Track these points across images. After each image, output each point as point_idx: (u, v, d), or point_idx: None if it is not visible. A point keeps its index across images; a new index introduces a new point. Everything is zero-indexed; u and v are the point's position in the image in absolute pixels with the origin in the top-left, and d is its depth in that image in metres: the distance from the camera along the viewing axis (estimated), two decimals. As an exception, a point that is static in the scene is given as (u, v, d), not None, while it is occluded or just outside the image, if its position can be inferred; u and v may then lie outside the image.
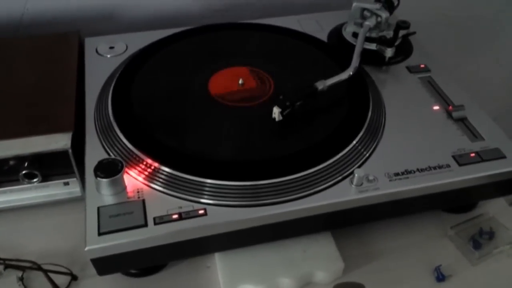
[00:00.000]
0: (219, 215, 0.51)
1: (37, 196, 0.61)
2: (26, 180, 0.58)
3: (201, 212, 0.51)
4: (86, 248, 0.48)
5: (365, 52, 0.70)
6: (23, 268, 0.56)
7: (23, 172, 0.57)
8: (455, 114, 0.62)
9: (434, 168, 0.56)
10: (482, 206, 0.64)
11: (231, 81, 0.65)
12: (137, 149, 0.56)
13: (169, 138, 0.57)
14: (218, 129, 0.60)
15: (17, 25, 0.78)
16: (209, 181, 0.52)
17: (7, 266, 0.56)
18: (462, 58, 0.93)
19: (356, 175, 0.53)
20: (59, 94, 0.63)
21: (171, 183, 0.53)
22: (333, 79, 0.61)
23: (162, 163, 0.54)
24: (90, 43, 0.74)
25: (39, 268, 0.55)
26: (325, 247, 0.57)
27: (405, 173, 0.55)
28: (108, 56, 0.71)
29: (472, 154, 0.57)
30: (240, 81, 0.64)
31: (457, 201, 0.60)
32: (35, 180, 0.59)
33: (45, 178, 0.60)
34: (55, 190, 0.61)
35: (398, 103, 0.65)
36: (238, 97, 0.62)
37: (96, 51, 0.72)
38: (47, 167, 0.59)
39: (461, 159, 0.57)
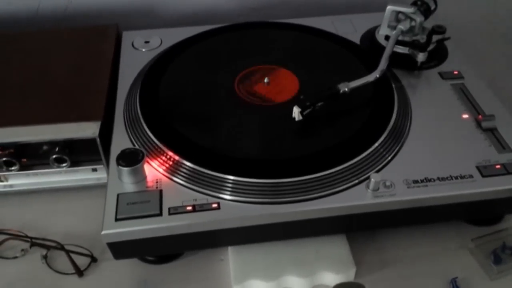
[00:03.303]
0: (232, 210, 0.52)
1: (67, 180, 0.64)
2: (56, 164, 0.61)
3: (214, 206, 0.52)
4: (102, 232, 0.50)
5: (397, 56, 0.69)
6: (47, 247, 0.59)
7: (53, 156, 0.60)
8: (484, 124, 0.60)
9: (456, 177, 0.55)
10: (508, 220, 0.62)
11: (257, 79, 0.65)
12: (160, 141, 0.57)
13: (192, 133, 0.59)
14: (239, 126, 0.60)
15: (61, 17, 0.82)
16: (221, 175, 0.53)
17: (33, 244, 0.59)
18: (502, 69, 0.89)
19: (372, 179, 0.53)
20: (93, 85, 0.66)
21: (190, 176, 0.54)
22: (357, 81, 0.61)
23: (183, 157, 0.55)
24: (127, 37, 0.76)
25: (62, 248, 0.58)
26: (338, 249, 0.57)
27: (425, 181, 0.54)
28: (143, 50, 0.74)
29: (498, 166, 0.56)
30: (266, 80, 0.65)
31: (479, 213, 0.59)
32: (64, 164, 0.62)
33: (75, 164, 0.63)
34: (84, 175, 0.65)
35: (426, 109, 0.63)
36: (262, 96, 0.63)
37: (132, 45, 0.75)
38: (76, 153, 0.62)
39: (485, 170, 0.55)
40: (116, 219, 0.51)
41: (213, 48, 0.72)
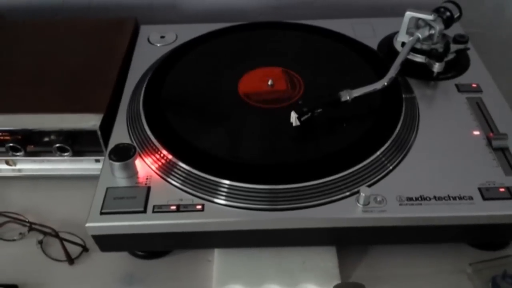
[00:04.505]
0: (215, 212, 0.51)
1: (71, 169, 0.66)
2: (59, 152, 0.63)
3: (198, 207, 0.52)
4: (86, 225, 0.51)
5: (414, 65, 0.66)
6: (44, 233, 0.61)
7: (56, 145, 0.62)
8: (495, 143, 0.56)
9: (454, 198, 0.52)
10: (513, 247, 0.58)
11: (261, 81, 0.64)
12: (156, 138, 0.58)
13: (189, 133, 0.58)
14: (238, 129, 0.60)
15: (86, 10, 0.84)
16: (211, 177, 0.53)
17: (31, 229, 0.61)
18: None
19: (362, 194, 0.51)
20: (101, 77, 0.67)
21: (181, 177, 0.54)
22: (362, 89, 0.59)
23: (176, 156, 0.55)
24: (145, 31, 0.77)
25: (56, 235, 0.60)
26: (325, 262, 0.55)
27: (420, 199, 0.52)
28: (158, 45, 0.74)
29: (502, 189, 0.52)
30: (270, 82, 0.64)
31: (478, 238, 0.55)
32: (66, 154, 0.63)
33: (79, 153, 0.64)
34: (88, 165, 0.66)
35: (436, 122, 0.60)
36: (264, 98, 0.62)
37: (148, 39, 0.75)
38: (79, 143, 0.63)
39: (487, 193, 0.52)
40: (101, 213, 0.52)
41: (222, 48, 0.72)
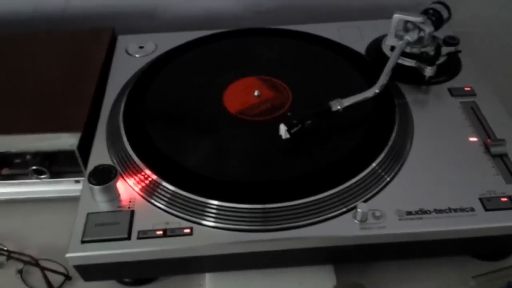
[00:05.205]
0: (204, 236, 0.48)
1: (49, 191, 0.62)
2: (35, 175, 0.59)
3: (186, 231, 0.49)
4: (67, 255, 0.48)
5: (404, 69, 0.64)
6: (23, 262, 0.57)
7: (32, 167, 0.58)
8: (493, 149, 0.54)
9: (455, 210, 0.49)
10: (517, 256, 0.56)
11: (247, 92, 0.61)
12: (139, 157, 0.54)
13: (174, 151, 0.55)
14: (224, 144, 0.57)
15: (59, 19, 0.80)
16: (198, 198, 0.50)
17: (9, 258, 0.57)
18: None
19: (359, 210, 0.48)
20: (77, 93, 0.63)
21: (166, 198, 0.51)
22: (352, 98, 0.56)
23: (161, 176, 0.52)
24: (123, 41, 0.74)
25: (36, 264, 0.56)
26: (323, 283, 0.52)
27: (420, 212, 0.49)
28: (137, 56, 0.71)
29: (504, 199, 0.50)
30: (256, 93, 0.61)
31: (479, 250, 0.53)
32: (43, 176, 0.60)
33: (56, 175, 0.61)
34: (67, 186, 0.62)
35: (430, 129, 0.58)
36: (250, 110, 0.59)
37: (126, 50, 0.72)
38: (57, 164, 0.60)
39: (489, 204, 0.50)
40: (82, 241, 0.48)
41: (204, 57, 0.69)
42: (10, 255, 0.57)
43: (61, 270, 0.56)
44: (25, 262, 0.57)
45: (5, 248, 0.58)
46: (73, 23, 0.80)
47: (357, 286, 0.50)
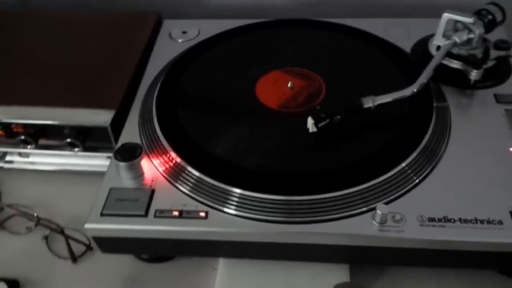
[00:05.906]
0: (221, 221, 0.48)
1: (83, 164, 0.65)
2: (69, 147, 0.62)
3: (202, 214, 0.49)
4: (85, 226, 0.49)
5: (450, 71, 0.61)
6: (50, 229, 0.59)
7: (67, 140, 0.61)
8: (534, 163, 0.51)
9: (481, 222, 0.46)
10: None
11: (280, 83, 0.60)
12: (166, 140, 0.55)
13: (202, 137, 0.55)
14: (252, 134, 0.56)
15: (112, 2, 0.82)
16: (220, 185, 0.50)
17: (37, 224, 0.60)
18: None
19: (378, 211, 0.46)
20: (117, 72, 0.65)
21: (186, 180, 0.51)
22: (387, 96, 0.54)
23: (185, 160, 0.53)
24: (167, 26, 0.75)
25: (62, 232, 0.59)
26: (336, 280, 0.51)
27: (443, 220, 0.47)
28: (179, 40, 0.72)
29: (536, 214, 0.47)
30: (290, 84, 0.60)
31: (504, 265, 0.50)
32: (77, 149, 0.62)
33: (91, 149, 0.63)
34: (99, 161, 0.65)
35: (469, 135, 0.55)
36: (282, 101, 0.58)
37: (169, 34, 0.73)
38: (91, 139, 0.61)
39: (519, 218, 0.46)
40: (102, 214, 0.50)
41: (243, 46, 0.68)
42: (39, 221, 0.60)
43: (84, 240, 0.58)
44: (52, 229, 0.59)
45: (35, 215, 0.60)
46: (124, 7, 0.82)
47: (357, 286, 0.50)
